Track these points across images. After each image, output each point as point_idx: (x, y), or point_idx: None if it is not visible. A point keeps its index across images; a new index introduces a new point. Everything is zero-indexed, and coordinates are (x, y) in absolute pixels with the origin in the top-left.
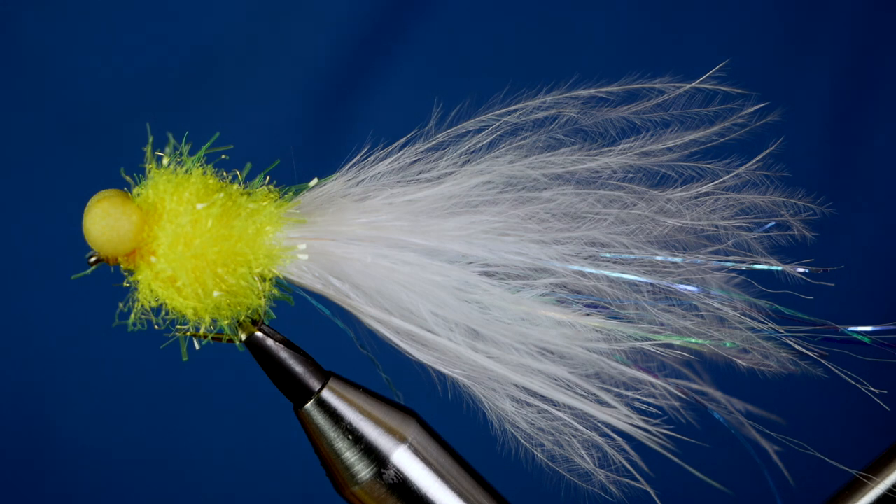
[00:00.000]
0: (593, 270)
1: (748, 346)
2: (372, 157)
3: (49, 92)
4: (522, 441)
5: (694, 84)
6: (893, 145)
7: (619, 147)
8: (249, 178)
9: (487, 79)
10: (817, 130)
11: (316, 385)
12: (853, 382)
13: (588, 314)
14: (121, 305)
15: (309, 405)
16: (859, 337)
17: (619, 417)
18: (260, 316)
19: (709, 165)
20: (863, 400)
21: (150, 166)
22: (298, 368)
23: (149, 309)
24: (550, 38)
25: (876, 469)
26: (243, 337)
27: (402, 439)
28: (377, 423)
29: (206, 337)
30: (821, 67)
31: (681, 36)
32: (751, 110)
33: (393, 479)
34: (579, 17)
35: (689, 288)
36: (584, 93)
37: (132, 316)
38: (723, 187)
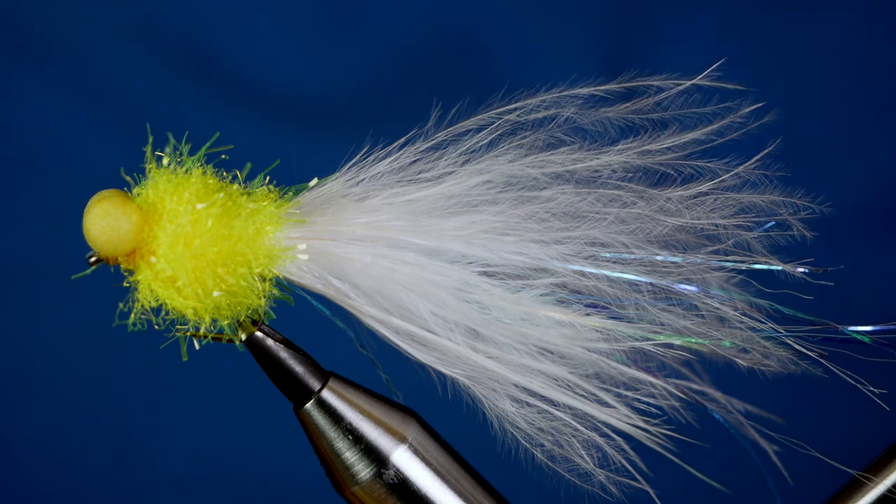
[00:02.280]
0: (593, 270)
1: (748, 346)
2: (372, 157)
3: (49, 92)
4: (522, 441)
5: (693, 81)
6: (894, 144)
7: (619, 146)
8: (249, 178)
9: (488, 78)
10: (818, 129)
11: (316, 385)
12: (853, 382)
13: (588, 314)
14: (121, 305)
15: (309, 405)
16: (859, 337)
17: (619, 417)
18: (260, 316)
19: (708, 164)
20: (863, 400)
21: (150, 166)
22: (298, 368)
23: (149, 309)
24: (550, 37)
25: (876, 469)
26: (243, 337)
27: (402, 439)
28: (377, 423)
29: (206, 337)
30: (820, 66)
31: (681, 34)
32: (748, 110)
33: (393, 479)
34: (578, 15)
35: (689, 288)
36: (583, 91)
37: (132, 316)
38: (722, 186)
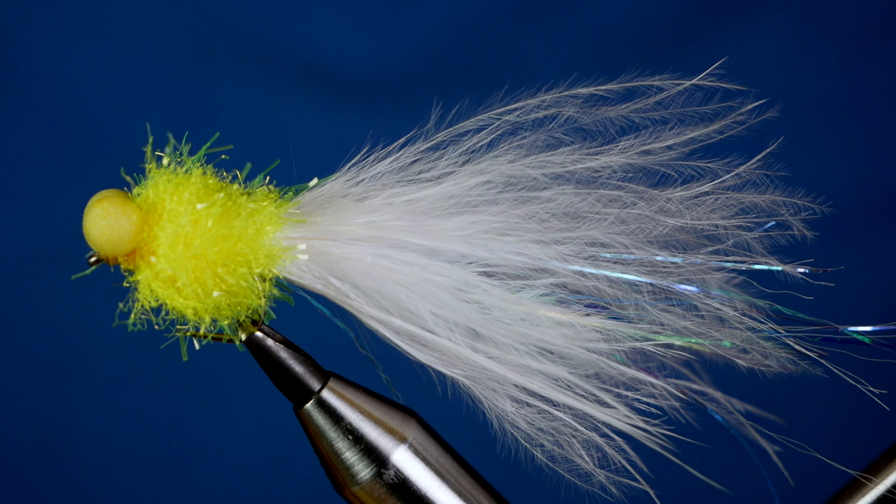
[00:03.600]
0: (593, 270)
1: (748, 346)
2: (372, 157)
3: (49, 92)
4: (522, 441)
5: (693, 81)
6: (894, 144)
7: (619, 146)
8: (249, 178)
9: (488, 77)
10: (818, 129)
11: (316, 385)
12: (853, 382)
13: (588, 314)
14: (121, 305)
15: (309, 405)
16: (859, 337)
17: (619, 418)
18: (260, 316)
19: (709, 164)
20: (863, 400)
21: (150, 166)
22: (298, 368)
23: (149, 309)
24: (549, 36)
25: (876, 469)
26: (243, 337)
27: (402, 439)
28: (377, 423)
29: (206, 337)
30: (822, 66)
31: (684, 33)
32: (749, 107)
33: (393, 479)
34: (578, 14)
35: (689, 288)
36: (583, 91)
37: (132, 316)
38: (723, 187)
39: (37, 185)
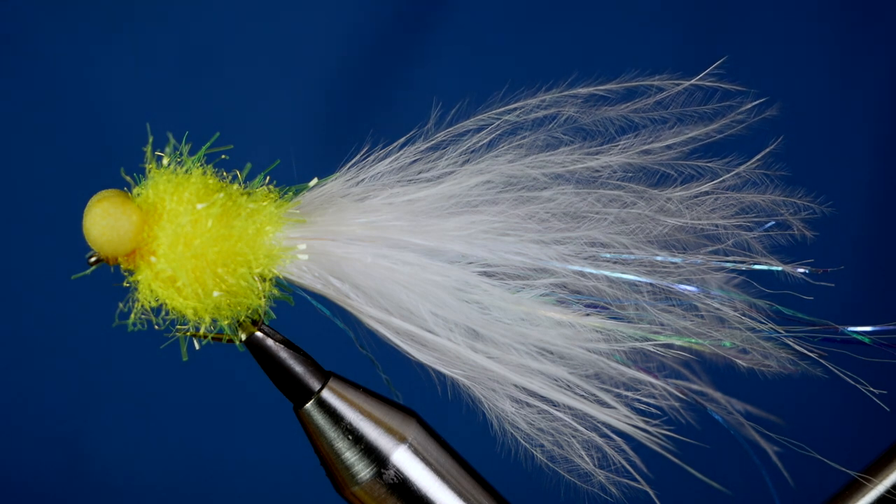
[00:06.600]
0: (593, 270)
1: (748, 347)
2: (371, 157)
3: (49, 91)
4: (522, 441)
5: (693, 81)
6: (894, 143)
7: (619, 145)
8: (249, 178)
9: (487, 78)
10: (818, 128)
11: (316, 385)
12: (853, 382)
13: (588, 314)
14: (121, 305)
15: (309, 405)
16: (859, 337)
17: (619, 418)
18: (260, 316)
19: (709, 164)
20: (863, 400)
21: (150, 166)
22: (298, 368)
23: (149, 309)
24: (549, 36)
25: (875, 470)
26: (243, 337)
27: (402, 439)
28: (377, 423)
29: (206, 337)
30: (822, 65)
31: (696, 35)
32: (748, 106)
33: (393, 479)
34: (580, 14)
35: (688, 288)
36: (583, 91)
37: (132, 316)
38: (723, 186)
39: (37, 185)
